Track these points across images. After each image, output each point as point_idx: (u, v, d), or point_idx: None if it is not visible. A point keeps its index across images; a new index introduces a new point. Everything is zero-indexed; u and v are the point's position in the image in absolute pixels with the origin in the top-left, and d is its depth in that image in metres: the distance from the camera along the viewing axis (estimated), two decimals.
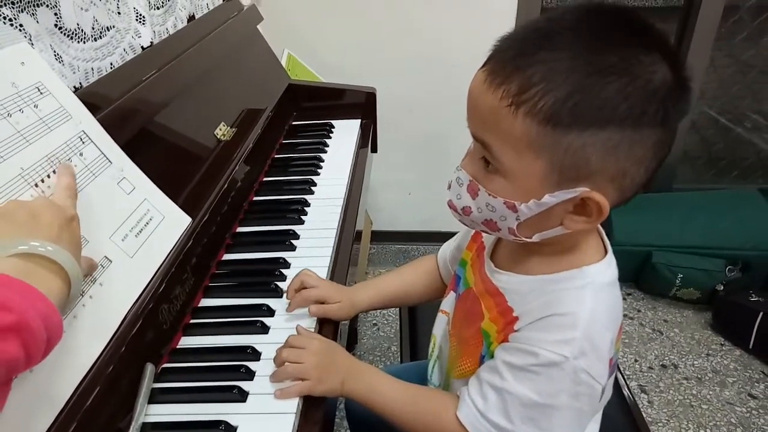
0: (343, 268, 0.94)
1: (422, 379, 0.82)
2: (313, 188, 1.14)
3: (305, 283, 0.81)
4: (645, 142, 0.52)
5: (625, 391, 0.98)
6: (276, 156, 1.27)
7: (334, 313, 0.81)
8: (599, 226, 0.61)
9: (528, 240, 0.59)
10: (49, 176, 0.63)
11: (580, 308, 0.57)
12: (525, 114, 0.51)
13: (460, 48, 1.80)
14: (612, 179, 0.53)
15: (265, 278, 0.89)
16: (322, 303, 0.81)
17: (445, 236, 0.89)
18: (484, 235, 0.74)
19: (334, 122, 1.42)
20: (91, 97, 0.76)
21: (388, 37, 1.86)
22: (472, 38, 1.70)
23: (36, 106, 0.65)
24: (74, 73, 0.84)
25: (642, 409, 0.96)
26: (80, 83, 0.85)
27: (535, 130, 0.51)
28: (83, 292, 0.61)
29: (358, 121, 1.43)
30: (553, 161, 0.52)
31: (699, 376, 1.70)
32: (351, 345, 1.82)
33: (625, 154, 0.52)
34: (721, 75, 2.54)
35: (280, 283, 0.87)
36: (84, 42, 0.86)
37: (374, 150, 1.47)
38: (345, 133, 1.38)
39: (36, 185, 0.61)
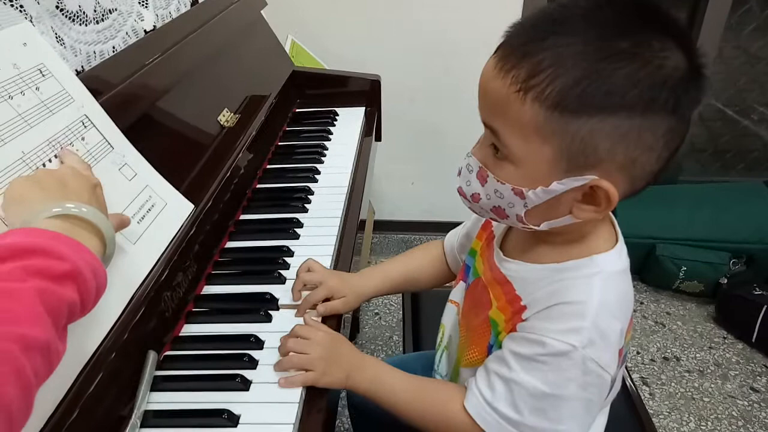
0: (347, 257, 0.93)
1: (426, 370, 0.81)
2: (317, 176, 1.13)
3: (307, 282, 0.81)
4: (655, 129, 0.51)
5: (628, 383, 0.98)
6: (280, 143, 1.26)
7: (340, 310, 0.81)
8: (611, 213, 0.60)
9: (536, 228, 0.58)
10: (50, 160, 0.62)
11: (588, 297, 0.56)
12: (533, 99, 0.50)
13: (465, 38, 1.79)
14: (621, 167, 0.52)
15: (268, 266, 0.88)
16: (328, 298, 0.80)
17: (448, 226, 0.88)
18: (494, 224, 0.73)
19: (338, 110, 1.40)
20: (93, 81, 0.75)
21: (392, 26, 1.84)
22: (477, 29, 1.68)
23: (38, 89, 0.64)
24: (76, 56, 0.82)
25: (644, 401, 0.96)
26: (82, 66, 0.83)
27: (542, 115, 0.50)
28: None
29: (362, 109, 1.42)
30: (561, 148, 0.51)
31: (701, 369, 1.70)
32: (353, 334, 1.81)
33: (634, 142, 0.51)
34: (728, 66, 2.51)
35: (283, 272, 0.86)
36: (86, 24, 0.85)
37: (378, 139, 1.46)
38: (349, 120, 1.37)
39: (37, 169, 0.60)
